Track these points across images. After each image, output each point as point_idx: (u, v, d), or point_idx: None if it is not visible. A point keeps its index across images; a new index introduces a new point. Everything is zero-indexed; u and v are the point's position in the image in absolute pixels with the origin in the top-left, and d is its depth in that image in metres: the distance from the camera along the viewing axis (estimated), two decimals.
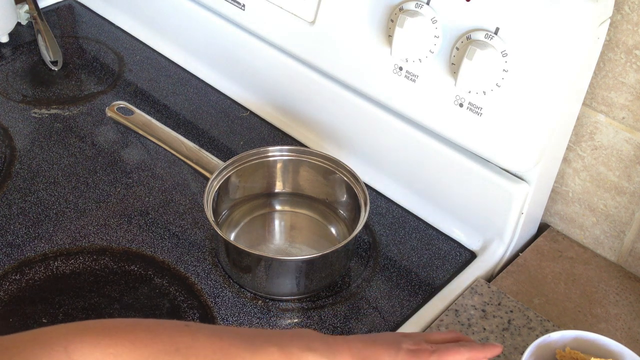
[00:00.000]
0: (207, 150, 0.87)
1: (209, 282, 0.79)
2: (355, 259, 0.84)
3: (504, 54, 0.70)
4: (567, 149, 0.84)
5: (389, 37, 0.77)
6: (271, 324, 0.76)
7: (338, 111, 0.91)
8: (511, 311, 0.77)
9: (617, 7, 0.73)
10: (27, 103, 1.01)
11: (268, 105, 1.00)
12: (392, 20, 0.76)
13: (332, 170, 0.84)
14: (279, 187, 0.88)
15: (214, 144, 0.96)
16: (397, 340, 0.64)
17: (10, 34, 1.12)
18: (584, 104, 0.80)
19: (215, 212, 0.81)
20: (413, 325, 0.76)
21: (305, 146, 0.95)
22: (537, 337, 0.68)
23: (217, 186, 0.82)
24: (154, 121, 0.91)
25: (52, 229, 0.84)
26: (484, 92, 0.73)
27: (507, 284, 0.83)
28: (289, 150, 0.85)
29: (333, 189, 0.85)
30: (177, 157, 0.87)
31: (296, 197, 0.88)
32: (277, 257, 0.78)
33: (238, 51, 1.01)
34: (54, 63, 1.07)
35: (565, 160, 0.85)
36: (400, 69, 0.79)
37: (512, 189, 0.80)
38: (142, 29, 1.14)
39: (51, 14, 1.17)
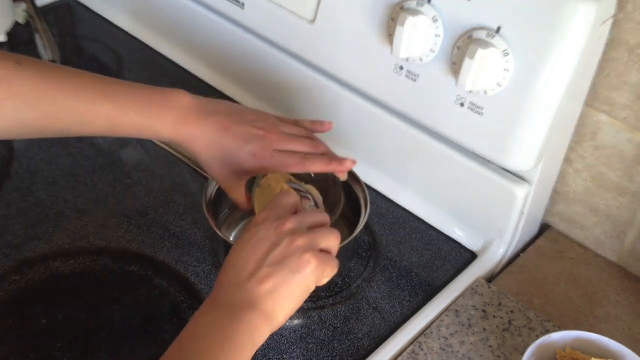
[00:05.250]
0: None
1: (209, 282, 0.79)
2: (355, 259, 0.83)
3: (505, 53, 0.70)
4: (568, 148, 0.84)
5: (390, 35, 0.77)
6: None
7: (338, 110, 0.91)
8: (511, 311, 0.77)
9: (620, 6, 0.73)
10: None
11: (268, 104, 1.00)
12: (392, 19, 0.76)
13: None
14: None
15: None
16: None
17: (8, 33, 1.11)
18: (585, 103, 0.80)
19: (215, 212, 0.81)
20: (413, 325, 0.76)
21: None
22: (538, 337, 0.68)
23: (217, 186, 0.81)
24: None
25: (51, 229, 0.83)
26: (485, 91, 0.72)
27: (508, 284, 0.83)
28: None
29: (333, 189, 0.84)
30: (177, 157, 0.87)
31: None
32: None
33: (237, 50, 1.00)
34: (52, 62, 1.07)
35: (566, 160, 0.85)
36: (401, 68, 0.79)
37: (513, 189, 0.80)
38: (140, 28, 1.14)
39: (49, 12, 1.17)
